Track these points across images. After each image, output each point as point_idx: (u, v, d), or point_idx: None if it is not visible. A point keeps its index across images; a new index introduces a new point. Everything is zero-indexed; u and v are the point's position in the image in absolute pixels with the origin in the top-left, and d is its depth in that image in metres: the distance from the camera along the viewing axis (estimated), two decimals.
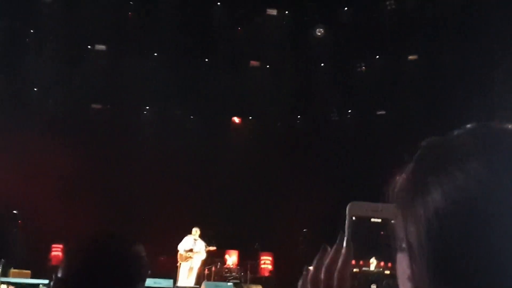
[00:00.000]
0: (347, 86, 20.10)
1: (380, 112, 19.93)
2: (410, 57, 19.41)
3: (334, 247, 0.87)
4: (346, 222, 0.88)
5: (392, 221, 0.77)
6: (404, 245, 0.73)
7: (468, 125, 0.75)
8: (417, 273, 0.69)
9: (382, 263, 0.86)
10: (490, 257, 0.63)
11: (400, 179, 0.77)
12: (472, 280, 0.64)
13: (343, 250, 0.85)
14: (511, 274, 0.62)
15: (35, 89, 19.42)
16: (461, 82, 17.02)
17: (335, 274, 0.84)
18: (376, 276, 0.87)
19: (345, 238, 0.88)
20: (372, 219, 0.87)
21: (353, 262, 0.87)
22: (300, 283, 0.94)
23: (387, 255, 0.82)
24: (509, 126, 0.72)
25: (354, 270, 0.87)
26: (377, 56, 19.91)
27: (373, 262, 0.87)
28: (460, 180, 0.67)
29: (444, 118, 16.63)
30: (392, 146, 18.00)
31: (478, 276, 0.64)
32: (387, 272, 0.84)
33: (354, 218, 0.88)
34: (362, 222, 0.87)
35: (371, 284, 0.86)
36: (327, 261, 0.86)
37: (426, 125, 17.30)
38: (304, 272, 0.93)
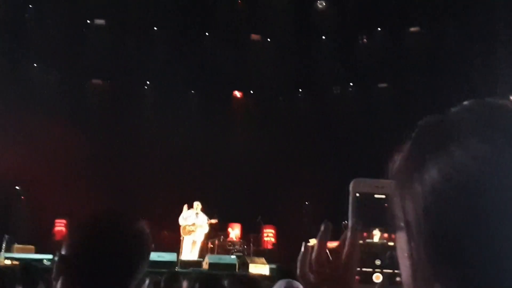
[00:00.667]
0: (349, 59, 19.98)
1: (381, 85, 19.85)
2: (412, 29, 19.27)
3: (343, 235, 0.88)
4: (350, 198, 0.89)
5: (395, 198, 0.77)
6: (402, 223, 0.73)
7: (465, 102, 0.75)
8: (415, 251, 0.69)
9: (385, 235, 0.86)
10: (487, 234, 0.63)
11: (398, 157, 0.77)
12: (469, 257, 0.64)
13: (349, 235, 0.86)
14: (507, 251, 0.62)
15: (35, 64, 19.32)
16: (464, 55, 16.91)
17: (343, 259, 0.85)
18: (379, 248, 0.87)
19: (349, 214, 0.88)
20: (376, 195, 0.87)
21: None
22: (299, 258, 0.94)
23: (390, 228, 0.82)
24: (507, 102, 0.72)
25: (359, 242, 0.88)
26: (379, 29, 19.76)
27: (376, 233, 0.87)
28: (457, 157, 0.67)
29: (446, 91, 16.58)
30: (394, 119, 18.00)
31: (475, 253, 0.64)
32: (391, 243, 0.85)
33: (357, 194, 0.88)
34: (366, 198, 0.88)
35: (375, 258, 0.87)
36: (339, 244, 0.87)
37: (428, 97, 17.26)
38: (303, 249, 0.94)
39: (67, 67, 19.34)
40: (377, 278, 0.85)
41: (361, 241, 0.88)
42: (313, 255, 0.90)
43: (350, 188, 0.89)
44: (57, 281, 1.62)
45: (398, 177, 0.75)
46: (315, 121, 19.72)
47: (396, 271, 0.83)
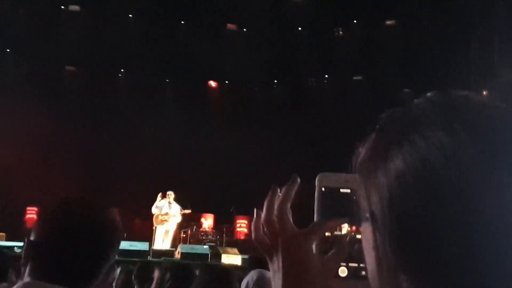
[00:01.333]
0: (324, 51, 20.02)
1: (357, 78, 19.97)
2: (388, 22, 19.40)
3: (285, 187, 0.89)
4: (316, 193, 0.89)
5: (360, 192, 0.76)
6: (367, 215, 0.73)
7: (428, 94, 0.75)
8: (380, 242, 0.69)
9: (353, 228, 0.86)
10: (451, 225, 0.63)
11: (362, 149, 0.77)
12: (433, 248, 0.64)
13: (288, 190, 0.87)
14: (471, 241, 0.63)
15: (8, 50, 19.02)
16: (439, 48, 17.07)
17: (275, 211, 0.86)
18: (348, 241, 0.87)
19: (315, 209, 0.88)
20: (341, 190, 0.87)
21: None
22: (253, 224, 0.96)
23: (356, 220, 0.82)
24: (469, 94, 0.73)
25: (326, 234, 0.88)
26: (355, 21, 19.85)
27: (343, 226, 0.87)
28: (421, 148, 0.67)
29: (421, 84, 16.74)
30: (369, 112, 18.10)
31: (439, 244, 0.64)
32: (359, 236, 0.85)
33: (323, 189, 0.88)
34: (332, 192, 0.88)
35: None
36: (278, 201, 0.88)
37: (402, 90, 17.42)
38: (255, 216, 0.95)
39: (41, 54, 19.04)
40: (343, 272, 0.85)
41: (329, 233, 0.88)
42: (262, 219, 0.92)
43: (316, 183, 0.89)
44: (25, 266, 1.61)
45: (362, 168, 0.75)
46: (290, 112, 19.76)
47: (361, 264, 0.83)
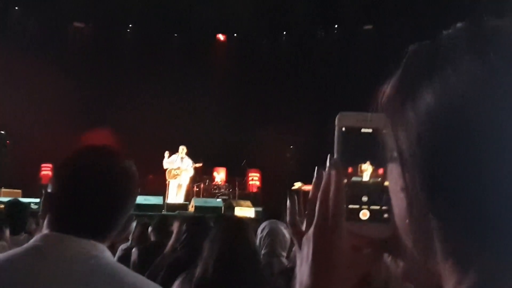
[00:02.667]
0: (333, 1, 19.68)
1: (367, 27, 19.67)
2: None
3: (327, 171, 0.83)
4: (335, 133, 0.85)
5: (384, 131, 0.73)
6: (395, 154, 0.70)
7: (458, 24, 0.70)
8: (409, 182, 0.66)
9: (376, 170, 0.82)
10: (485, 161, 0.59)
11: (388, 86, 0.74)
12: (466, 186, 0.61)
13: (333, 172, 0.81)
14: (506, 177, 0.59)
15: (16, 7, 18.89)
16: None
17: (330, 200, 0.80)
18: (367, 183, 0.84)
19: (335, 150, 0.84)
20: (363, 129, 0.83)
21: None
22: (288, 208, 0.91)
23: (380, 161, 0.79)
24: (503, 21, 0.68)
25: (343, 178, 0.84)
26: None
27: (367, 168, 0.83)
28: (453, 80, 0.63)
29: (434, 32, 16.43)
30: (380, 62, 17.91)
31: (472, 182, 0.61)
32: (380, 179, 0.81)
33: (343, 129, 0.84)
34: (352, 132, 0.84)
35: (363, 194, 0.83)
36: (322, 184, 0.82)
37: (415, 39, 17.12)
38: (289, 198, 0.90)
39: (49, 10, 18.92)
40: (364, 215, 0.82)
41: (349, 177, 0.84)
42: (308, 204, 0.86)
43: (336, 122, 0.84)
44: (44, 219, 1.61)
45: (389, 106, 0.71)
46: (299, 64, 19.61)
47: (383, 207, 0.80)
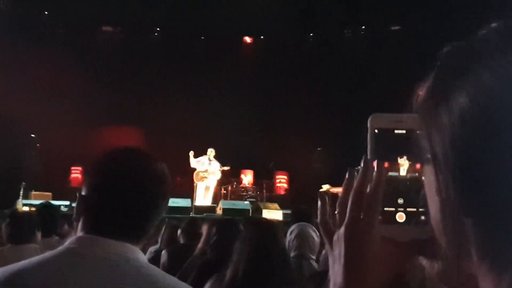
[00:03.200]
0: (360, 1, 19.57)
1: (394, 28, 19.50)
2: None
3: (361, 170, 0.82)
4: (368, 135, 0.84)
5: (418, 132, 0.72)
6: (429, 156, 0.68)
7: (493, 24, 0.69)
8: (443, 184, 0.65)
9: (412, 166, 0.81)
10: None
11: (422, 88, 0.72)
12: (501, 189, 0.60)
13: (375, 167, 0.80)
14: None
15: (46, 12, 19.19)
16: None
17: (365, 198, 0.80)
18: (404, 183, 0.82)
19: (368, 151, 0.83)
20: (396, 131, 0.82)
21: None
22: (319, 208, 0.91)
23: (416, 158, 0.77)
24: None
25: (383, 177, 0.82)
26: None
27: (404, 163, 0.82)
28: (487, 80, 0.61)
29: (464, 32, 16.22)
30: (408, 63, 17.75)
31: (506, 183, 0.60)
32: (416, 177, 0.80)
33: (376, 130, 0.83)
34: (386, 133, 0.83)
35: (398, 195, 0.82)
36: (356, 184, 0.82)
37: (444, 39, 16.92)
38: (320, 199, 0.90)
39: (77, 15, 19.18)
40: (400, 217, 0.80)
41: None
42: (338, 203, 0.85)
43: (369, 124, 0.83)
44: (77, 221, 1.62)
45: (423, 107, 0.71)
46: (326, 65, 19.51)
47: (420, 209, 0.79)
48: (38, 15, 18.97)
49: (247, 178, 18.21)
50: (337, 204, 0.84)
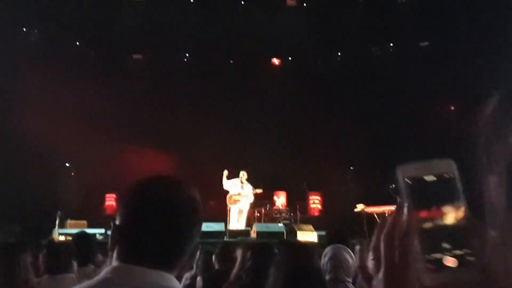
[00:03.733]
0: (388, 18, 19.53)
1: (423, 44, 19.37)
2: None
3: (392, 215, 0.81)
4: (399, 186, 0.83)
5: (446, 175, 0.74)
6: (492, 166, 0.70)
7: None
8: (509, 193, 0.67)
9: (457, 212, 0.79)
10: None
11: (488, 108, 0.73)
12: None
13: (405, 214, 0.79)
14: None
15: (77, 43, 19.61)
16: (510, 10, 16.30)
17: (397, 242, 0.78)
18: (447, 227, 0.80)
19: (405, 204, 0.82)
20: (426, 177, 0.81)
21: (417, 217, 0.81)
22: (357, 250, 0.89)
23: (455, 204, 0.77)
24: None
25: (426, 225, 0.80)
26: None
27: (448, 211, 0.80)
28: None
29: (493, 45, 16.06)
30: (437, 78, 17.60)
31: None
32: (461, 220, 0.78)
33: (407, 180, 0.82)
34: (417, 182, 0.82)
35: (442, 240, 0.80)
36: (385, 229, 0.80)
37: (473, 54, 16.76)
38: (360, 243, 0.89)
39: (108, 44, 19.57)
40: (448, 262, 0.78)
41: (429, 224, 0.80)
42: (383, 237, 0.83)
43: (398, 176, 0.82)
44: (112, 251, 1.62)
45: (488, 127, 0.72)
46: (355, 83, 19.44)
47: (468, 250, 0.76)
48: (69, 45, 19.36)
49: (280, 200, 18.15)
50: (371, 247, 0.83)
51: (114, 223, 1.63)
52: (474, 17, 17.32)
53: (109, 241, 1.63)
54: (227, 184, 15.04)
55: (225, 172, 15.06)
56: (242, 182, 15.05)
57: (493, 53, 16.03)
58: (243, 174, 15.09)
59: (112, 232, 1.63)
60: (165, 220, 1.58)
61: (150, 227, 1.58)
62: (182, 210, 1.61)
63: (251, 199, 15.30)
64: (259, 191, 15.28)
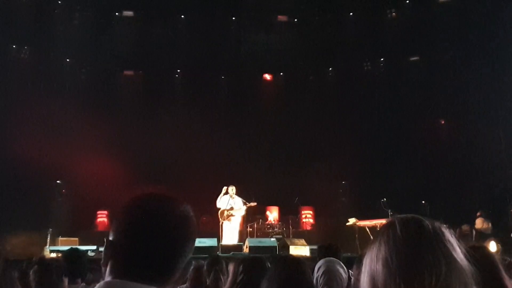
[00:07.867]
0: (378, 33, 19.68)
1: (413, 58, 19.51)
2: None
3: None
4: None
5: None
6: None
7: None
8: None
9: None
10: None
11: None
12: None
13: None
14: None
15: (68, 59, 19.59)
16: (496, 24, 16.48)
17: None
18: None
19: None
20: None
21: None
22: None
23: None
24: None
25: None
26: (407, 0, 19.43)
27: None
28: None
29: (479, 60, 16.22)
30: (428, 92, 17.72)
31: None
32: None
33: None
34: None
35: None
36: None
37: (462, 68, 16.91)
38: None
39: (99, 60, 19.56)
40: None
41: None
42: None
43: None
44: (105, 266, 1.63)
45: None
46: (347, 98, 19.52)
47: None
48: (60, 63, 19.33)
49: (273, 214, 18.13)
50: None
51: (108, 239, 1.64)
52: (463, 31, 17.51)
53: (102, 257, 1.63)
54: (220, 202, 15.02)
55: (224, 189, 15.05)
56: (232, 197, 15.04)
57: (483, 66, 16.20)
58: (231, 189, 15.09)
59: (105, 248, 1.64)
60: (158, 236, 1.59)
61: (143, 243, 1.59)
62: (175, 226, 1.62)
63: (243, 212, 15.27)
64: (253, 204, 15.23)
